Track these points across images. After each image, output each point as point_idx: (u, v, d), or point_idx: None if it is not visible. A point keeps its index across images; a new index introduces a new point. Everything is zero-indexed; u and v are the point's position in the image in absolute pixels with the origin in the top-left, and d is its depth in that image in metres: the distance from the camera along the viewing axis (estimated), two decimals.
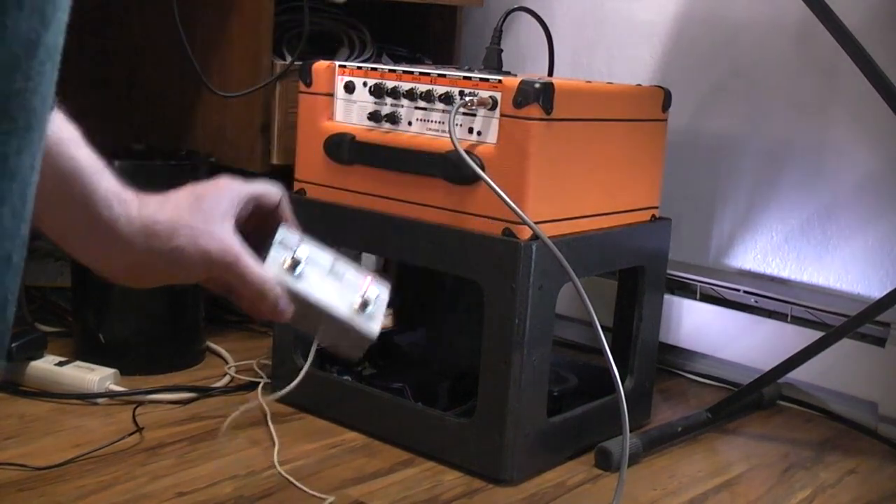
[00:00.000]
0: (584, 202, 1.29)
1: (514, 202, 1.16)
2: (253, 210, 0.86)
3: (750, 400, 1.55)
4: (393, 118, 1.31)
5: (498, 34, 1.43)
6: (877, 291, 1.58)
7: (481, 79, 1.23)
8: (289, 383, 1.45)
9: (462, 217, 1.25)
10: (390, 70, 1.32)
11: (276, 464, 1.23)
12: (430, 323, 1.67)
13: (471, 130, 1.24)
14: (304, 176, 1.41)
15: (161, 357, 1.54)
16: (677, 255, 1.78)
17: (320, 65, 1.38)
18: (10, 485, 1.14)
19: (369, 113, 1.33)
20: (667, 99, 1.39)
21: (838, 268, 1.63)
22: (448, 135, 1.23)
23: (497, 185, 1.17)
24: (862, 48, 1.27)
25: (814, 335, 1.50)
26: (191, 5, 1.64)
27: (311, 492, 1.17)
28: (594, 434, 1.36)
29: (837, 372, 1.55)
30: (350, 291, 0.88)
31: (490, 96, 1.21)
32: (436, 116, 1.28)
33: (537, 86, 1.18)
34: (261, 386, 1.49)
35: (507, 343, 1.21)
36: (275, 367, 1.46)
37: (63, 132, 0.73)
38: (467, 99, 1.22)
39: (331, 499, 1.16)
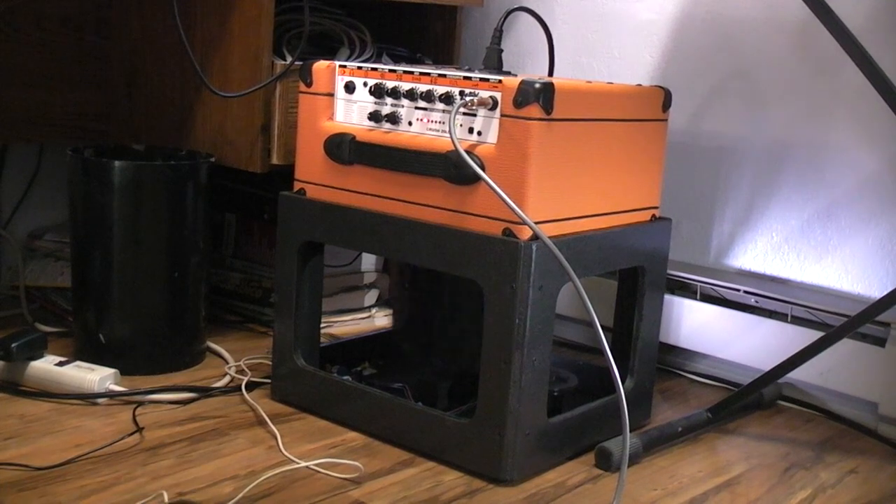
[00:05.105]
0: (584, 202, 1.29)
1: (514, 202, 1.16)
2: None
3: (750, 400, 1.55)
4: (393, 118, 1.31)
5: (498, 34, 1.43)
6: (877, 291, 1.58)
7: (481, 79, 1.23)
8: (289, 383, 1.46)
9: (462, 217, 1.25)
10: (390, 70, 1.32)
11: (286, 454, 1.24)
12: (431, 323, 1.67)
13: (471, 130, 1.24)
14: (304, 176, 1.41)
15: (161, 357, 1.54)
16: (677, 255, 1.78)
17: (320, 65, 1.38)
18: (10, 485, 1.14)
19: (369, 113, 1.33)
20: (667, 99, 1.39)
21: (838, 268, 1.63)
22: (448, 135, 1.23)
23: (497, 185, 1.17)
24: (862, 48, 1.27)
25: (814, 335, 1.50)
26: (191, 5, 1.64)
27: (333, 474, 1.17)
28: (594, 434, 1.36)
29: (837, 372, 1.55)
30: None
31: (490, 96, 1.21)
32: (436, 116, 1.28)
33: (537, 86, 1.18)
34: (244, 384, 1.49)
35: (507, 343, 1.21)
36: (275, 367, 1.46)
37: None
38: (467, 99, 1.22)
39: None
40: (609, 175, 1.33)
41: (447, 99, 1.26)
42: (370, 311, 1.88)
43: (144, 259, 1.52)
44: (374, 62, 1.64)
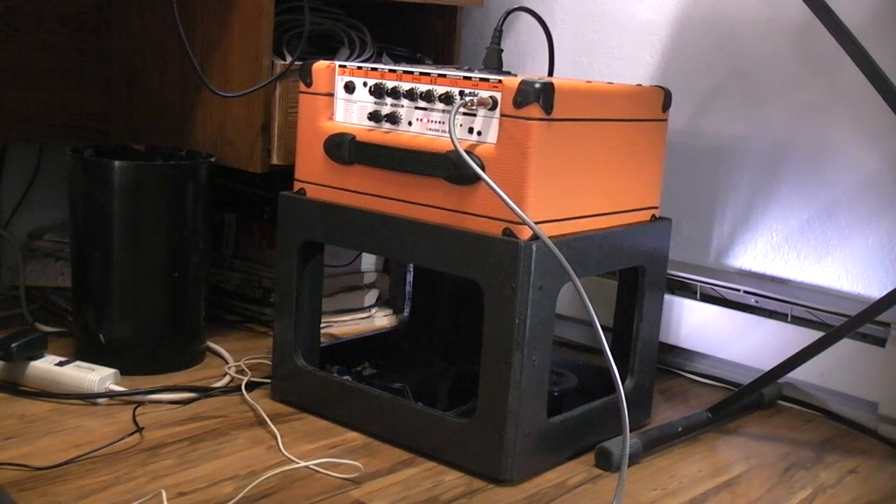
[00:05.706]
0: (584, 202, 1.29)
1: (514, 202, 1.16)
2: None
3: (750, 400, 1.55)
4: (393, 118, 1.31)
5: (498, 34, 1.43)
6: (877, 291, 1.58)
7: (481, 79, 1.23)
8: (289, 383, 1.46)
9: (462, 217, 1.25)
10: (390, 70, 1.32)
11: (286, 454, 1.24)
12: (430, 322, 1.67)
13: (471, 130, 1.24)
14: (304, 176, 1.41)
15: (161, 357, 1.54)
16: (677, 255, 1.78)
17: (320, 65, 1.38)
18: (10, 485, 1.14)
19: (369, 113, 1.33)
20: (667, 99, 1.39)
21: (838, 268, 1.63)
22: (448, 135, 1.23)
23: (497, 185, 1.17)
24: (862, 48, 1.27)
25: (814, 335, 1.50)
26: (191, 5, 1.64)
27: (333, 474, 1.17)
28: (594, 434, 1.36)
29: (837, 372, 1.55)
30: None
31: (490, 96, 1.21)
32: (436, 116, 1.28)
33: (537, 86, 1.18)
34: (244, 383, 1.49)
35: (507, 343, 1.21)
36: (275, 367, 1.46)
37: None
38: (467, 99, 1.22)
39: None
40: (609, 175, 1.33)
41: (447, 99, 1.26)
42: (370, 311, 1.88)
43: (144, 259, 1.52)
44: (374, 62, 1.64)
